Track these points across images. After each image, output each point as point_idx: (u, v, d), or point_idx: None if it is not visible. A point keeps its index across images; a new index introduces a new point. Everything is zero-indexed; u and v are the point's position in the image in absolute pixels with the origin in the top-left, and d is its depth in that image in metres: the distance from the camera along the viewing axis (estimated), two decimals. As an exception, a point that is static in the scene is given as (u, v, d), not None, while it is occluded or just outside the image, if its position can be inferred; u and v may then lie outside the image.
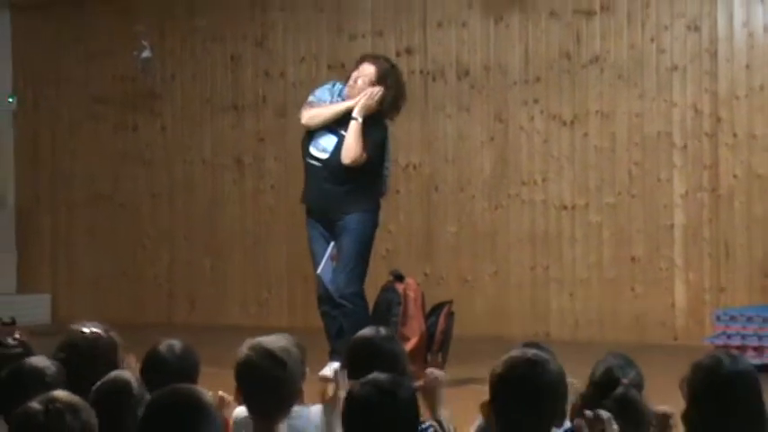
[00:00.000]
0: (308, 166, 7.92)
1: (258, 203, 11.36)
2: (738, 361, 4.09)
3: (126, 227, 12.09)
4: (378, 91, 7.78)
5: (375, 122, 7.90)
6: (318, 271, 7.78)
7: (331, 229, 7.88)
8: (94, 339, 4.78)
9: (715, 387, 3.93)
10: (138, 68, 11.25)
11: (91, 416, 3.62)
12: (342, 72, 10.30)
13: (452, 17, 10.48)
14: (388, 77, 7.94)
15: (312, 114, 7.90)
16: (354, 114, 7.75)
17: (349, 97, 7.86)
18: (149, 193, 11.95)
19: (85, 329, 4.79)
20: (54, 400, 3.62)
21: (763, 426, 3.93)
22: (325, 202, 7.88)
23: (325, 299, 7.84)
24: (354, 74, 7.92)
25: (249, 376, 4.15)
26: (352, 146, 7.76)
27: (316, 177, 7.87)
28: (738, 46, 9.45)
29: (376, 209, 7.94)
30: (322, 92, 8.06)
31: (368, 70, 7.88)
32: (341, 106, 7.83)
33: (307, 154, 7.89)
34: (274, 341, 4.23)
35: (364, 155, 7.82)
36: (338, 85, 8.07)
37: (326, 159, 7.79)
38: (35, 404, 3.60)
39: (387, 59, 8.42)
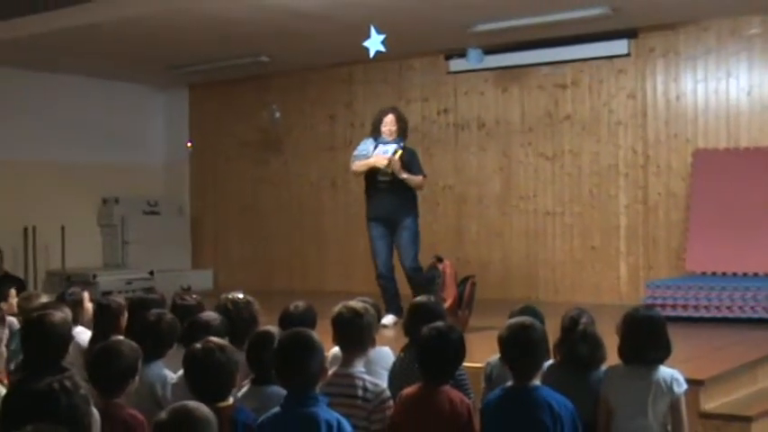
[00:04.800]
0: (377, 190, 7.75)
1: (347, 211, 11.19)
2: (650, 310, 4.30)
3: (262, 228, 12.09)
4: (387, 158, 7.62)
5: (408, 151, 7.78)
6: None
7: (391, 228, 7.76)
8: (237, 301, 4.86)
9: (635, 325, 4.11)
10: (269, 123, 11.27)
11: (234, 354, 3.61)
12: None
13: (474, 88, 10.40)
14: (401, 116, 7.88)
15: (356, 168, 7.86)
16: (397, 173, 7.59)
17: (388, 141, 7.72)
18: (276, 206, 11.97)
19: (231, 296, 4.92)
20: (210, 341, 3.63)
21: (667, 349, 4.09)
22: (392, 209, 7.73)
23: (383, 275, 7.80)
24: (386, 126, 7.73)
25: (340, 325, 4.13)
26: (416, 183, 7.75)
27: (383, 194, 7.72)
28: (660, 108, 9.33)
29: (418, 211, 7.91)
30: (364, 145, 7.88)
31: (390, 118, 7.76)
32: (371, 161, 7.69)
33: (375, 182, 7.75)
34: (357, 303, 4.20)
35: (422, 178, 7.80)
36: (370, 139, 7.86)
37: (391, 180, 7.66)
38: (197, 345, 3.62)
39: (394, 107, 8.27)
